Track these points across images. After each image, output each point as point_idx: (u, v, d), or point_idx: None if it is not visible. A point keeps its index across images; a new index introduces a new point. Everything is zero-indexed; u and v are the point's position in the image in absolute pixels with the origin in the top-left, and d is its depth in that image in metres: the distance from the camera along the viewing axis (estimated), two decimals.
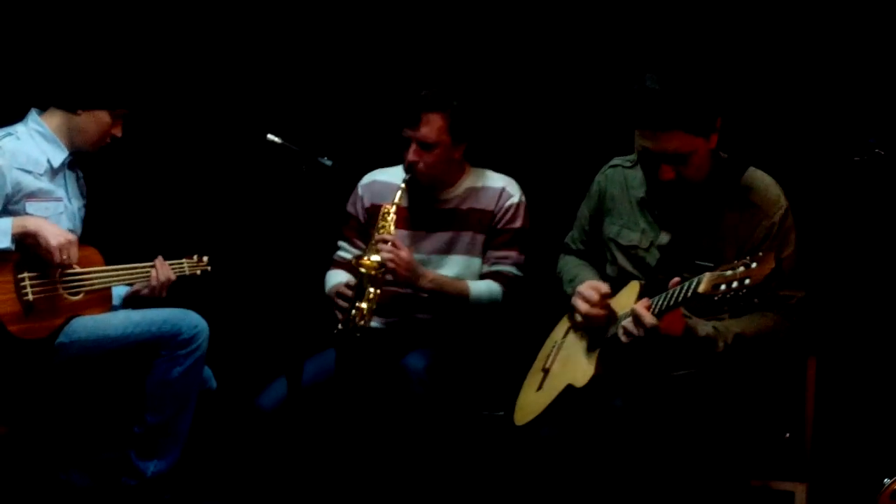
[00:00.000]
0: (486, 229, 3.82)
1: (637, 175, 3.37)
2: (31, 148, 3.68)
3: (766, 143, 3.97)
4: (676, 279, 3.02)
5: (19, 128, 3.72)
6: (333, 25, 4.58)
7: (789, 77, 4.11)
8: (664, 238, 3.27)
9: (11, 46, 4.43)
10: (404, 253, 3.67)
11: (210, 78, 4.63)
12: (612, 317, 3.22)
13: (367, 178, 3.96)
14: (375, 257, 3.64)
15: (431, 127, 3.72)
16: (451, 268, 3.83)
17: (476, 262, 3.84)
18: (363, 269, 3.64)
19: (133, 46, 4.34)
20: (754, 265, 2.81)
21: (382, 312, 3.79)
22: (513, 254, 3.82)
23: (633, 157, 3.40)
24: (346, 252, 3.96)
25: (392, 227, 3.71)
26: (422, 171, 3.75)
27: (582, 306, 3.27)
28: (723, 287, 2.84)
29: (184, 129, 4.64)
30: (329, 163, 3.58)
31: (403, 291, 3.79)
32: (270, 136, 3.53)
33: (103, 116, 3.72)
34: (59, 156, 3.71)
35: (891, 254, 3.94)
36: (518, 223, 3.83)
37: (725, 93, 3.17)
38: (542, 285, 3.77)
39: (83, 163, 3.85)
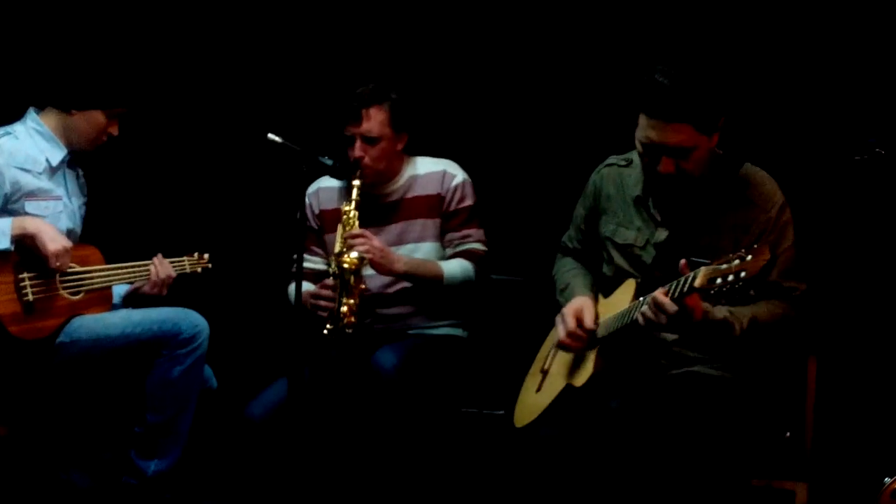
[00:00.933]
0: (439, 214, 3.89)
1: (632, 174, 3.36)
2: (30, 147, 3.68)
3: (767, 141, 3.97)
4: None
5: (18, 127, 3.72)
6: (333, 25, 4.57)
7: (790, 76, 4.11)
8: (661, 235, 3.27)
9: (10, 46, 4.42)
10: (376, 242, 3.74)
11: (211, 77, 4.62)
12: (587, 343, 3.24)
13: (313, 187, 4.00)
14: (354, 254, 3.70)
15: (374, 121, 3.80)
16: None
17: (427, 246, 3.89)
18: (346, 266, 3.70)
19: (129, 46, 4.34)
20: (749, 258, 2.82)
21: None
22: (473, 230, 3.90)
23: (628, 155, 3.39)
24: (307, 262, 3.98)
25: (357, 223, 3.76)
26: (368, 165, 3.81)
27: (560, 332, 3.28)
28: (718, 280, 2.85)
29: (184, 128, 4.63)
30: (330, 162, 3.59)
31: (376, 291, 3.85)
32: (271, 136, 3.53)
33: (97, 116, 3.71)
34: (57, 154, 3.71)
35: (891, 254, 3.94)
36: (469, 201, 3.90)
37: (734, 93, 3.17)
38: (541, 286, 3.76)
39: (83, 161, 3.85)
